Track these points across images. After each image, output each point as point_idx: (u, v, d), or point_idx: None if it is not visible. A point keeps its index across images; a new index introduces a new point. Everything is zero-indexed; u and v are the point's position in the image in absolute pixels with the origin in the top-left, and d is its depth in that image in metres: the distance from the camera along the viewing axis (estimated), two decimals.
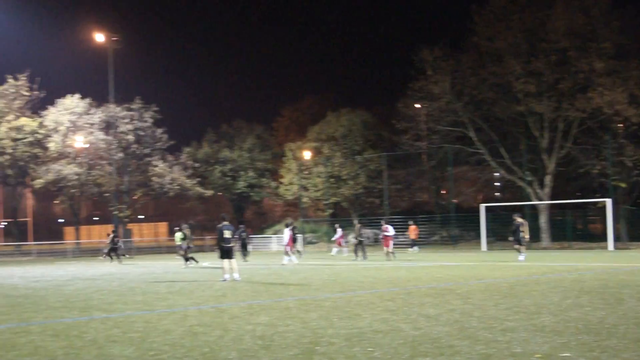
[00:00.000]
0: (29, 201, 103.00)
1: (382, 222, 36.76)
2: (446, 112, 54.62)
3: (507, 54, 49.48)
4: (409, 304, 14.99)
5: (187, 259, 34.74)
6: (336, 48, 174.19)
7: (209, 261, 37.89)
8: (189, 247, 35.39)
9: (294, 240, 35.87)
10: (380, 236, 36.78)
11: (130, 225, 73.39)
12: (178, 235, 38.90)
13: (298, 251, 38.81)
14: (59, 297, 18.86)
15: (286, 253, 33.55)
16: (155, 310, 15.04)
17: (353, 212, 63.48)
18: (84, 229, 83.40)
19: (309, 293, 18.16)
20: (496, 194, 67.81)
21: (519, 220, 31.36)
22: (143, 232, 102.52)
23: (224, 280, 22.63)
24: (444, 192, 64.87)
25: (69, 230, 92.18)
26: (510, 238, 32.13)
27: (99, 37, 66.32)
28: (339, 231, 44.18)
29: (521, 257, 30.92)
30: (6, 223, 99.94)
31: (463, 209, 61.61)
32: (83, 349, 10.41)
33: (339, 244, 44.02)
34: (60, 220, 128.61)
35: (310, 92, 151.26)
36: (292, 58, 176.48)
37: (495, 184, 65.73)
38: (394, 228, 55.41)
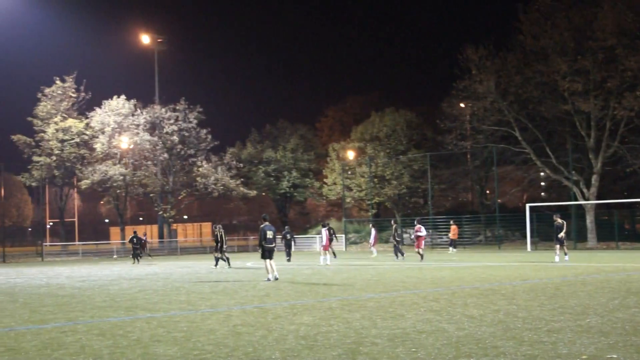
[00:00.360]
0: (76, 202, 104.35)
1: (415, 222, 36.17)
2: (491, 112, 54.27)
3: (553, 53, 48.93)
4: (453, 304, 14.88)
5: (217, 260, 34.12)
6: (380, 48, 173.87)
7: (252, 261, 38.05)
8: (222, 249, 34.66)
9: (330, 240, 36.02)
10: (413, 236, 36.40)
11: (174, 226, 74.02)
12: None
13: (333, 252, 38.78)
14: (104, 296, 19.08)
15: (324, 253, 33.76)
16: (199, 310, 15.12)
17: (397, 212, 63.27)
18: (129, 229, 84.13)
19: (352, 293, 18.13)
20: (541, 193, 67.05)
21: (559, 220, 30.88)
22: (187, 232, 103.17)
23: (268, 280, 22.71)
24: (488, 192, 64.30)
25: (115, 231, 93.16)
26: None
27: (145, 39, 67.17)
28: (374, 232, 43.89)
29: (557, 259, 30.40)
30: (53, 223, 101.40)
31: (507, 209, 61.06)
32: (128, 348, 10.51)
33: (374, 245, 43.71)
34: (105, 221, 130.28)
35: (354, 92, 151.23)
36: (337, 58, 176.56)
37: (541, 183, 65.01)
38: (439, 228, 55.36)
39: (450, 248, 46.19)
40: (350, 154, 66.89)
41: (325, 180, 68.73)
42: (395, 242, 38.24)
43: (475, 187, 63.87)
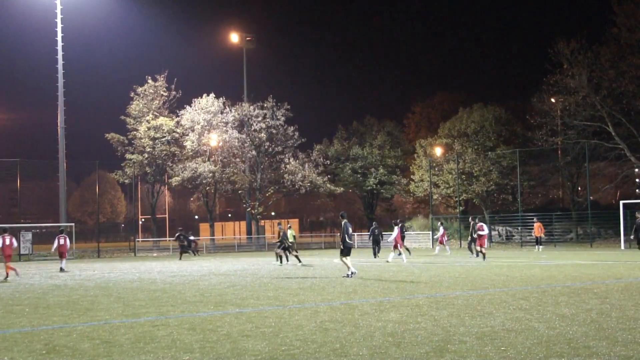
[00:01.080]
0: (166, 198, 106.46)
1: (476, 220, 35.27)
2: (583, 107, 53.17)
3: None
4: (543, 302, 14.63)
5: (286, 256, 34.56)
6: (469, 43, 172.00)
7: (337, 258, 38.14)
8: (287, 247, 34.94)
9: (402, 238, 36.02)
10: (475, 235, 35.01)
11: (262, 222, 74.77)
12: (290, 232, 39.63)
13: (407, 249, 38.59)
14: (194, 291, 19.41)
15: (394, 248, 33.67)
16: (287, 306, 15.25)
17: (485, 209, 62.52)
18: (218, 225, 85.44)
19: (440, 290, 18.00)
20: (636, 190, 65.25)
21: None
22: (275, 229, 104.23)
23: (349, 275, 22.98)
24: (580, 188, 62.94)
25: (204, 227, 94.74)
26: (632, 237, 30.23)
27: (234, 37, 68.05)
28: (442, 229, 43.18)
29: None
30: (144, 219, 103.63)
31: (600, 206, 59.68)
32: (217, 343, 10.68)
33: (441, 242, 42.97)
34: (195, 217, 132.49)
35: (441, 88, 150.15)
36: (424, 54, 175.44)
37: (635, 180, 63.26)
38: (528, 226, 54.37)
39: (537, 246, 45.15)
40: (438, 151, 66.37)
41: (412, 177, 68.41)
42: (470, 239, 37.89)
43: (567, 184, 62.55)
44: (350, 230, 23.90)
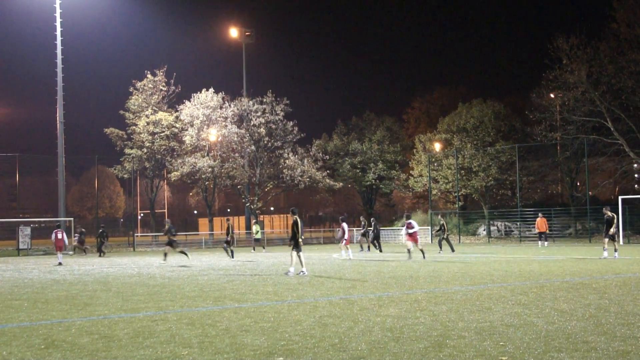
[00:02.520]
0: (165, 193, 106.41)
1: (405, 217, 32.91)
2: (582, 102, 53.19)
3: None
4: (542, 298, 14.65)
5: (230, 252, 35.22)
6: (468, 38, 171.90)
7: (337, 253, 38.22)
8: (228, 242, 35.66)
9: (377, 235, 37.91)
10: (403, 232, 33.05)
11: (261, 217, 74.76)
12: (256, 227, 40.04)
13: (379, 246, 38.96)
14: (193, 286, 19.42)
15: (344, 245, 33.82)
16: (286, 301, 15.26)
17: (484, 205, 62.57)
18: (217, 220, 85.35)
19: (439, 286, 18.02)
20: (635, 186, 65.28)
21: (610, 214, 29.12)
22: (274, 223, 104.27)
23: (299, 273, 22.76)
24: (579, 184, 62.94)
25: (203, 222, 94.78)
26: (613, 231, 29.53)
27: (233, 32, 68.01)
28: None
29: (605, 254, 28.67)
30: (143, 214, 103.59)
31: (599, 202, 59.62)
32: (216, 338, 10.68)
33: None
34: (194, 212, 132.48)
35: (440, 83, 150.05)
36: (423, 49, 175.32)
37: (634, 175, 63.28)
38: (527, 221, 54.38)
39: (540, 242, 45.11)
40: (437, 146, 66.40)
41: (411, 172, 68.46)
42: (440, 236, 37.96)
43: (565, 179, 62.59)
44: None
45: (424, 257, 30.86)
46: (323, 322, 11.92)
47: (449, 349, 9.30)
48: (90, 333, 11.41)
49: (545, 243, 44.77)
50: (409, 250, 30.67)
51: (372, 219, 42.34)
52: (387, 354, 9.14)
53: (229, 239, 35.82)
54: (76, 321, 12.89)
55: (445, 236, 37.62)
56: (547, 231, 46.26)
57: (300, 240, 22.81)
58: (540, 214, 46.05)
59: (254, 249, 43.70)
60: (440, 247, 38.72)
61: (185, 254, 32.81)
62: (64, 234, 32.05)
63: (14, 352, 9.94)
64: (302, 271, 22.76)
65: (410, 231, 30.63)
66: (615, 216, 29.20)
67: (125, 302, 15.87)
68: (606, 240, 29.00)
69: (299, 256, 22.89)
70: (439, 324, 11.45)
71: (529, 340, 9.74)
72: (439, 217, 40.35)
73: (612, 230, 28.52)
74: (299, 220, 22.91)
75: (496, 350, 9.17)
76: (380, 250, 39.02)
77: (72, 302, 16.02)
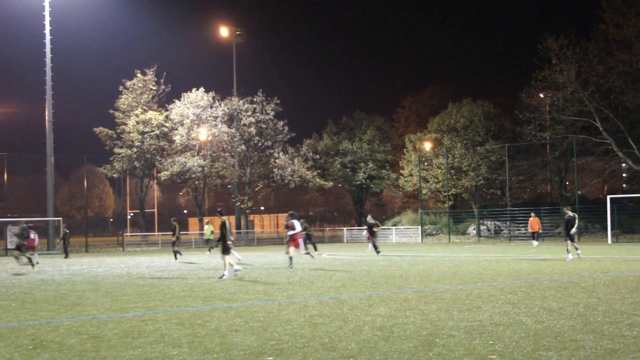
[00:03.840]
0: (155, 193, 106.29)
1: (289, 215, 28.40)
2: (571, 102, 53.39)
3: (636, 41, 47.79)
4: (531, 297, 14.67)
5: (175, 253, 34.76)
6: (458, 38, 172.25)
7: (327, 252, 38.20)
8: (174, 242, 35.07)
9: (308, 235, 35.62)
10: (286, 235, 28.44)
11: (251, 217, 74.69)
12: (208, 228, 39.80)
13: (314, 245, 37.32)
14: (183, 286, 19.39)
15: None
16: (276, 301, 15.25)
17: (474, 204, 62.70)
18: (207, 220, 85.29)
19: (428, 285, 18.03)
20: (623, 185, 65.49)
21: (570, 214, 28.70)
22: (264, 223, 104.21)
23: (235, 274, 22.28)
24: (568, 183, 63.14)
25: (193, 222, 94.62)
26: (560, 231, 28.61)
27: (223, 32, 67.94)
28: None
29: (569, 256, 27.60)
30: (133, 214, 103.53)
31: (588, 201, 59.86)
32: (206, 337, 10.66)
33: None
34: (184, 212, 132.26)
35: (431, 83, 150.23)
36: (413, 49, 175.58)
37: (622, 175, 63.50)
38: (517, 220, 54.43)
39: (534, 241, 44.90)
40: (427, 145, 66.48)
41: (401, 171, 68.55)
42: (371, 235, 36.86)
43: (555, 179, 62.78)
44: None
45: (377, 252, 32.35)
46: (313, 322, 11.91)
47: (438, 348, 9.31)
48: (79, 333, 11.38)
49: (536, 242, 44.72)
50: (291, 258, 26.69)
51: (369, 216, 41.06)
52: (377, 353, 9.14)
53: (174, 239, 34.93)
54: (65, 321, 12.85)
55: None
56: (540, 230, 46.23)
57: (229, 242, 22.06)
58: (533, 214, 46.04)
59: (209, 251, 42.06)
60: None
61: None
62: (36, 234, 31.79)
63: (1, 352, 9.90)
64: (237, 269, 22.31)
65: (292, 233, 27.16)
66: (576, 216, 28.74)
67: (114, 302, 15.84)
68: (568, 242, 28.17)
69: (228, 258, 22.06)
70: (429, 323, 11.46)
71: (518, 339, 9.76)
72: (368, 217, 38.86)
73: (573, 230, 27.94)
74: (227, 221, 22.24)
75: (485, 349, 9.18)
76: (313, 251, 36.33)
77: (61, 302, 15.97)
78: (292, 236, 27.11)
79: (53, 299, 16.73)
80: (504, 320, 11.50)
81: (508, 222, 55.86)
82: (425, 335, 10.27)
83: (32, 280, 23.05)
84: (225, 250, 22.05)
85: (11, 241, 43.82)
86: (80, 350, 9.91)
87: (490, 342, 9.64)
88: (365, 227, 39.79)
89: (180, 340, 10.45)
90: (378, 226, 37.54)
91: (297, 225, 27.39)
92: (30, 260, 29.62)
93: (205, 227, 37.91)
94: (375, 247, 35.08)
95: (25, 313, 14.20)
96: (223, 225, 22.13)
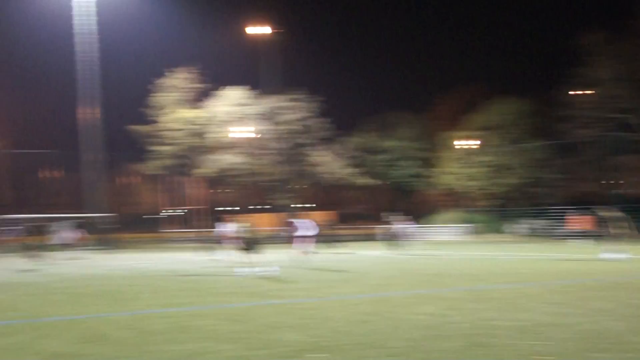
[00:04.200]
0: (194, 189, 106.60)
1: (292, 217, 29.58)
2: (610, 99, 52.55)
3: None
4: (580, 297, 14.42)
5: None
6: (495, 34, 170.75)
7: (377, 250, 38.09)
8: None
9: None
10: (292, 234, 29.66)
11: (296, 214, 74.60)
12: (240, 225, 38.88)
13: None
14: (229, 282, 19.41)
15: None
16: (323, 298, 15.20)
17: (518, 202, 61.93)
18: (246, 217, 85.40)
19: (475, 284, 17.87)
20: None
21: (615, 214, 28.01)
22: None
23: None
24: (609, 181, 62.24)
25: (233, 218, 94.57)
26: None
27: (265, 29, 67.66)
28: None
29: (622, 256, 26.72)
30: (169, 211, 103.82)
31: (631, 199, 58.96)
32: (252, 334, 10.64)
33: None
34: (224, 208, 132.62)
35: (468, 80, 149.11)
36: (450, 47, 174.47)
37: None
38: (555, 218, 53.52)
39: (593, 241, 43.74)
40: (466, 143, 65.97)
41: (439, 169, 68.09)
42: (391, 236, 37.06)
43: (595, 177, 61.82)
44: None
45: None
46: (359, 320, 11.82)
47: (485, 348, 9.15)
48: (128, 328, 11.45)
49: (594, 242, 43.80)
50: (304, 256, 27.20)
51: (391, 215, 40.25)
52: (423, 352, 9.02)
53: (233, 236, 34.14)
54: (113, 315, 12.99)
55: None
56: (596, 229, 45.24)
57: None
58: (584, 213, 45.11)
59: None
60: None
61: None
62: (79, 231, 32.00)
63: (52, 345, 9.99)
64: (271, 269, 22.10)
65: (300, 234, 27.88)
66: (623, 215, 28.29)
67: (162, 297, 15.95)
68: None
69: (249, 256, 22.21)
70: (476, 322, 11.27)
71: (566, 340, 9.55)
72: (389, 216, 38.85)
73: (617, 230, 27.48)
74: (252, 223, 23.39)
75: (532, 349, 8.99)
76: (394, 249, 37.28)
77: (109, 297, 16.17)
78: (299, 237, 28.41)
79: (101, 294, 16.95)
80: (552, 321, 11.29)
81: (553, 221, 54.99)
82: (473, 335, 10.08)
83: (79, 276, 23.28)
84: (249, 249, 22.21)
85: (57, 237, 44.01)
86: (129, 344, 9.99)
87: (537, 342, 9.42)
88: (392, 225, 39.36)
89: (226, 336, 10.44)
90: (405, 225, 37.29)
91: (307, 225, 28.79)
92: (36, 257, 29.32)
93: (238, 224, 37.40)
94: (397, 246, 35.29)
95: (75, 307, 14.36)
96: (247, 226, 22.94)
